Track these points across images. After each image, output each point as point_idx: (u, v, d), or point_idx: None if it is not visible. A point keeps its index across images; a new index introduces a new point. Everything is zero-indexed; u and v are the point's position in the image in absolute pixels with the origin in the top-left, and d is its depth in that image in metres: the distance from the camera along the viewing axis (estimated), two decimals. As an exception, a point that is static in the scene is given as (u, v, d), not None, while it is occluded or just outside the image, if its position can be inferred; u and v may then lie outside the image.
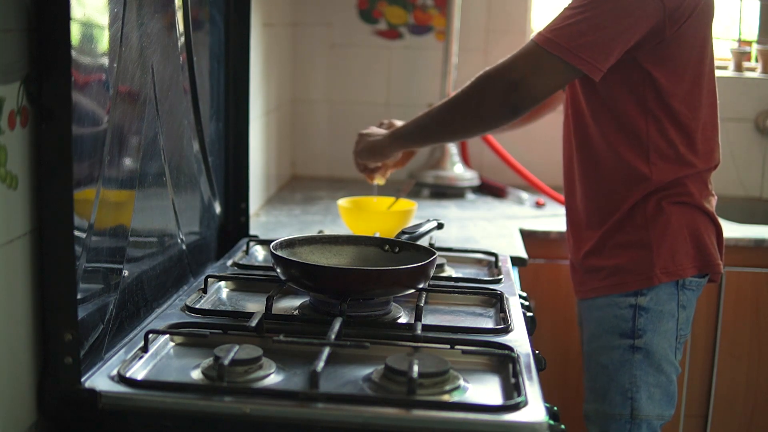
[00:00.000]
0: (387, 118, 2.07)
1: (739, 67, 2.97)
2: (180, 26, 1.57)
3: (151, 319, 1.44)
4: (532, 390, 1.17)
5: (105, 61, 1.23)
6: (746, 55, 2.99)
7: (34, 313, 1.16)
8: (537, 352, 1.36)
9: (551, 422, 1.11)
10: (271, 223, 2.36)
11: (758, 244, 2.38)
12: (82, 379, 1.16)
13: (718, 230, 1.85)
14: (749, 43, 3.05)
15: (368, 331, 1.37)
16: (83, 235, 1.19)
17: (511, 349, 1.30)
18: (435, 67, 2.97)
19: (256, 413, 1.11)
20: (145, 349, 1.27)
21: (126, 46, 1.31)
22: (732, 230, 2.41)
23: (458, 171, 2.86)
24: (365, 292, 1.43)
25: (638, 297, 1.80)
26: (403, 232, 1.67)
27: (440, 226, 1.81)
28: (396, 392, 1.17)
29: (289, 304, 1.54)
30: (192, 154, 1.69)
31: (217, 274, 1.63)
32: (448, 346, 1.30)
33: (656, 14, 1.67)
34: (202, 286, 1.57)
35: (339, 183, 2.98)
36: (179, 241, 1.63)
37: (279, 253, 1.50)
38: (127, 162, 1.35)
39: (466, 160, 2.97)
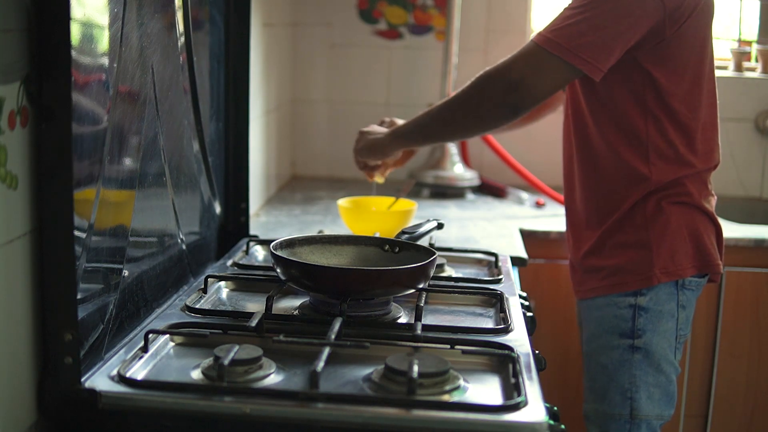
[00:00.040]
0: (387, 117, 2.07)
1: (739, 67, 2.97)
2: (180, 26, 1.57)
3: (151, 319, 1.44)
4: (532, 390, 1.17)
5: (105, 61, 1.23)
6: (746, 55, 2.99)
7: (34, 313, 1.16)
8: (537, 352, 1.36)
9: (551, 422, 1.11)
10: (271, 223, 2.36)
11: (758, 244, 2.38)
12: (82, 379, 1.16)
13: (718, 230, 1.85)
14: (749, 43, 3.05)
15: (368, 331, 1.37)
16: (83, 235, 1.19)
17: (511, 349, 1.30)
18: (435, 67, 2.97)
19: (256, 413, 1.11)
20: (145, 349, 1.27)
21: (126, 46, 1.31)
22: (732, 230, 2.41)
23: (458, 171, 2.86)
24: (365, 292, 1.43)
25: (638, 297, 1.80)
26: (403, 232, 1.67)
27: (440, 226, 1.81)
28: (396, 392, 1.17)
29: (289, 304, 1.54)
30: (192, 154, 1.69)
31: (217, 274, 1.63)
32: (448, 346, 1.30)
33: (656, 14, 1.67)
34: (202, 286, 1.57)
35: (339, 183, 2.98)
36: (179, 241, 1.63)
37: (279, 253, 1.50)
38: (127, 162, 1.35)
39: (466, 160, 2.97)
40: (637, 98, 1.76)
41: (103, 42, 1.23)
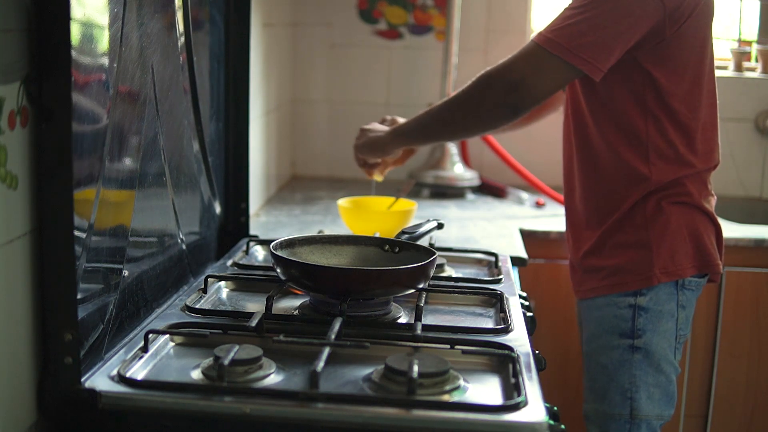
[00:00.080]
0: (389, 116, 2.07)
1: (739, 67, 2.97)
2: (180, 26, 1.57)
3: (151, 319, 1.44)
4: (532, 390, 1.17)
5: (105, 61, 1.23)
6: (746, 55, 2.99)
7: (34, 313, 1.16)
8: (537, 352, 1.36)
9: (551, 422, 1.11)
10: (271, 223, 2.36)
11: (758, 244, 2.38)
12: (82, 379, 1.16)
13: (718, 230, 1.85)
14: (749, 43, 3.05)
15: (368, 331, 1.37)
16: (83, 235, 1.19)
17: (511, 349, 1.30)
18: (435, 67, 2.97)
19: (256, 413, 1.11)
20: (145, 349, 1.27)
21: (126, 46, 1.31)
22: (732, 230, 2.41)
23: (458, 171, 2.86)
24: (365, 292, 1.43)
25: (638, 297, 1.80)
26: (403, 232, 1.67)
27: (440, 226, 1.81)
28: (396, 392, 1.17)
29: (289, 304, 1.54)
30: (192, 154, 1.69)
31: (217, 274, 1.63)
32: (448, 346, 1.30)
33: (656, 14, 1.67)
34: (202, 286, 1.57)
35: (339, 183, 2.98)
36: (179, 241, 1.63)
37: (279, 253, 1.50)
38: (127, 162, 1.35)
39: (466, 160, 2.97)
40: (637, 98, 1.76)
41: (103, 42, 1.23)
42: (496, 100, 1.73)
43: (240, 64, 1.90)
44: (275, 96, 2.69)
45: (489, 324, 1.50)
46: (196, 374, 1.22)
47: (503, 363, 1.28)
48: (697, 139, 1.80)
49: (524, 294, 1.70)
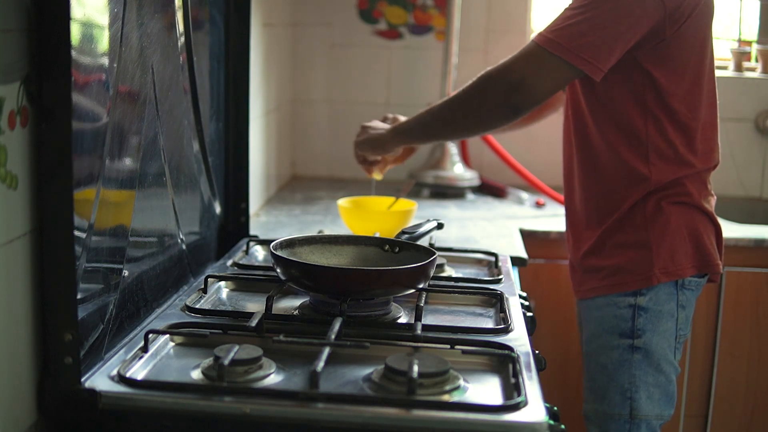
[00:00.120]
0: (390, 114, 2.07)
1: (739, 67, 2.97)
2: (180, 26, 1.57)
3: (151, 319, 1.44)
4: (532, 390, 1.17)
5: (105, 61, 1.23)
6: (746, 55, 2.99)
7: (34, 313, 1.16)
8: (537, 352, 1.36)
9: (551, 422, 1.11)
10: (271, 223, 2.36)
11: (758, 244, 2.38)
12: (82, 379, 1.16)
13: (718, 230, 1.85)
14: (749, 43, 3.05)
15: (368, 331, 1.37)
16: (83, 235, 1.19)
17: (511, 349, 1.30)
18: (435, 67, 2.97)
19: (256, 413, 1.11)
20: (145, 349, 1.27)
21: (126, 46, 1.31)
22: (732, 230, 2.41)
23: (458, 171, 2.86)
24: (365, 292, 1.43)
25: (637, 297, 1.80)
26: (403, 232, 1.67)
27: (440, 226, 1.81)
28: (396, 392, 1.17)
29: (289, 304, 1.54)
30: (192, 154, 1.69)
31: (217, 274, 1.63)
32: (448, 346, 1.30)
33: (656, 14, 1.67)
34: (202, 286, 1.57)
35: (339, 183, 2.98)
36: (179, 241, 1.63)
37: (279, 253, 1.50)
38: (127, 162, 1.35)
39: (466, 160, 2.97)
40: (637, 98, 1.76)
41: (103, 42, 1.23)
42: (496, 100, 1.73)
43: (240, 64, 1.90)
44: (275, 96, 2.69)
45: (489, 324, 1.50)
46: (196, 374, 1.22)
47: (503, 363, 1.28)
48: (697, 139, 1.80)
49: (524, 294, 1.70)
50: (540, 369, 1.31)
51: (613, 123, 1.80)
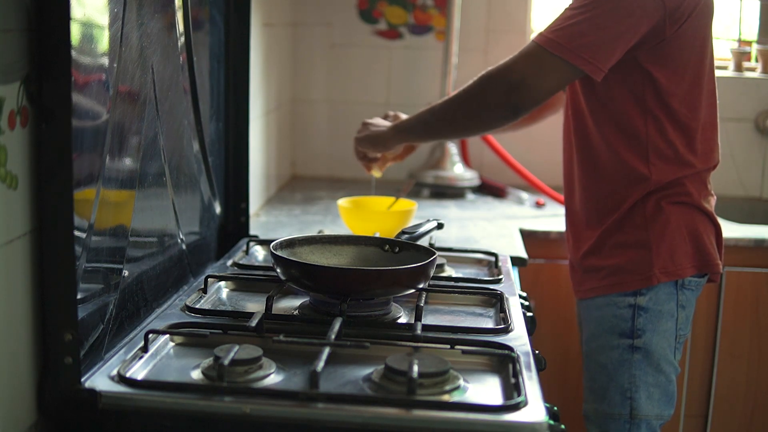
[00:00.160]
0: (391, 111, 2.07)
1: (739, 67, 2.97)
2: (180, 26, 1.57)
3: (151, 319, 1.44)
4: (532, 390, 1.17)
5: (105, 61, 1.23)
6: (746, 55, 2.99)
7: (34, 313, 1.16)
8: (537, 352, 1.36)
9: (551, 422, 1.11)
10: (271, 223, 2.36)
11: (758, 244, 2.38)
12: (82, 379, 1.16)
13: (717, 230, 1.85)
14: (749, 43, 3.05)
15: (368, 331, 1.37)
16: (83, 235, 1.19)
17: (511, 349, 1.30)
18: (435, 67, 2.97)
19: (256, 413, 1.11)
20: (145, 349, 1.27)
21: (126, 46, 1.31)
22: (732, 230, 2.41)
23: (458, 171, 2.86)
24: (365, 292, 1.43)
25: (637, 297, 1.80)
26: (403, 232, 1.67)
27: (440, 226, 1.81)
28: (396, 392, 1.17)
29: (289, 304, 1.54)
30: (192, 154, 1.69)
31: (217, 274, 1.63)
32: (448, 346, 1.30)
33: (657, 14, 1.67)
34: (202, 286, 1.57)
35: (339, 183, 2.98)
36: (179, 241, 1.63)
37: (279, 253, 1.50)
38: (127, 162, 1.35)
39: (466, 160, 2.97)
40: (637, 98, 1.76)
41: (103, 42, 1.23)
42: (497, 100, 1.73)
43: (240, 64, 1.90)
44: (275, 96, 2.70)
45: (489, 324, 1.50)
46: (196, 374, 1.22)
47: (503, 363, 1.28)
48: (697, 139, 1.80)
49: (524, 294, 1.70)
50: (540, 369, 1.31)
51: (613, 123, 1.80)
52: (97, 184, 1.23)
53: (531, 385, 1.19)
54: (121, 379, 1.17)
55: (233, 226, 1.96)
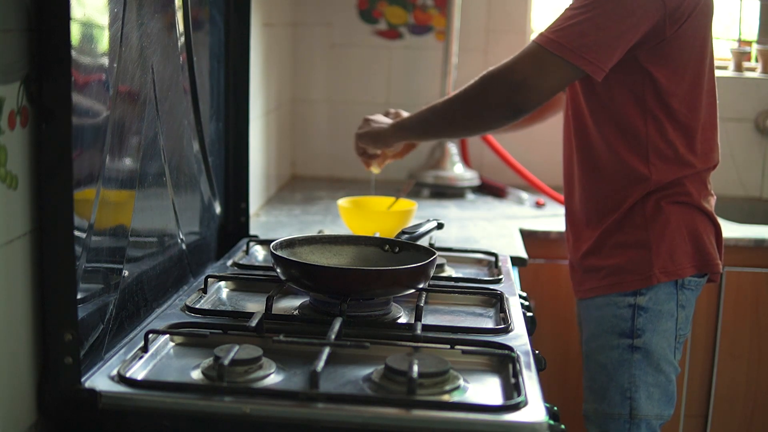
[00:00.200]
0: (393, 109, 2.07)
1: (739, 67, 2.97)
2: (180, 26, 1.57)
3: (151, 319, 1.44)
4: (532, 390, 1.17)
5: (105, 61, 1.23)
6: (746, 55, 2.99)
7: (34, 313, 1.16)
8: (537, 352, 1.36)
9: (551, 422, 1.11)
10: (271, 223, 2.36)
11: (758, 244, 2.38)
12: (82, 379, 1.16)
13: (717, 230, 1.85)
14: (749, 43, 3.05)
15: (368, 331, 1.37)
16: (83, 235, 1.19)
17: (511, 349, 1.30)
18: (435, 67, 2.97)
19: (256, 413, 1.11)
20: (145, 349, 1.27)
21: (126, 46, 1.31)
22: (732, 230, 2.41)
23: (458, 171, 2.86)
24: (365, 292, 1.43)
25: (637, 297, 1.80)
26: (403, 232, 1.67)
27: (440, 226, 1.81)
28: (396, 392, 1.17)
29: (289, 304, 1.54)
30: (192, 154, 1.69)
31: (217, 274, 1.63)
32: (448, 346, 1.30)
33: (657, 14, 1.67)
34: (202, 286, 1.57)
35: (339, 183, 2.98)
36: (179, 241, 1.63)
37: (279, 253, 1.50)
38: (127, 162, 1.35)
39: (466, 160, 2.97)
40: (637, 98, 1.76)
41: (103, 42, 1.23)
42: (498, 101, 1.73)
43: (240, 64, 1.90)
44: (275, 96, 2.70)
45: (489, 324, 1.50)
46: (196, 374, 1.22)
47: (503, 363, 1.28)
48: (697, 139, 1.80)
49: (524, 294, 1.70)
50: (540, 369, 1.31)
51: (613, 123, 1.80)
52: (97, 184, 1.23)
53: (531, 385, 1.19)
54: (121, 379, 1.17)
55: (233, 226, 1.96)
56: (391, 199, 2.16)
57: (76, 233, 1.14)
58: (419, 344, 1.30)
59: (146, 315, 1.45)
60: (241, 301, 1.58)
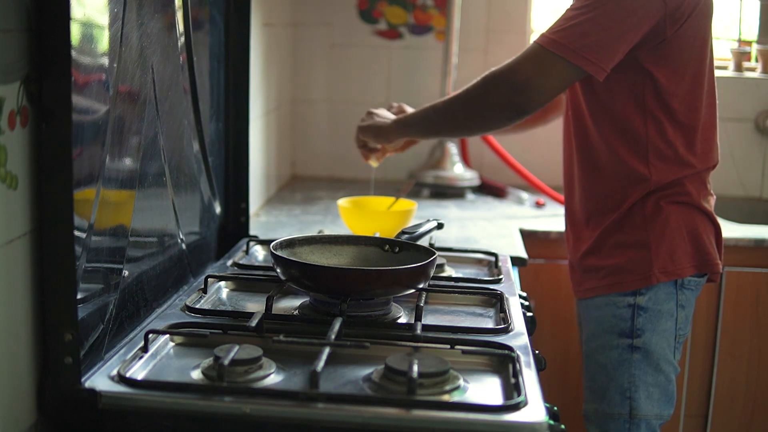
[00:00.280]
0: (396, 103, 2.06)
1: (739, 67, 2.97)
2: (180, 26, 1.57)
3: (151, 319, 1.44)
4: (532, 390, 1.17)
5: (105, 61, 1.23)
6: (746, 55, 2.99)
7: (34, 313, 1.16)
8: (537, 352, 1.36)
9: (551, 422, 1.11)
10: (271, 223, 2.36)
11: (758, 244, 2.38)
12: (82, 379, 1.16)
13: (717, 230, 1.85)
14: (749, 43, 3.05)
15: (368, 331, 1.37)
16: (83, 235, 1.19)
17: (511, 349, 1.30)
18: (435, 67, 2.97)
19: (256, 413, 1.11)
20: (145, 349, 1.27)
21: (126, 46, 1.31)
22: (732, 230, 2.41)
23: (458, 171, 2.86)
24: (365, 292, 1.43)
25: (637, 296, 1.80)
26: (403, 232, 1.67)
27: (440, 226, 1.81)
28: (396, 392, 1.17)
29: (289, 304, 1.54)
30: (192, 154, 1.69)
31: (217, 274, 1.63)
32: (448, 346, 1.30)
33: (658, 13, 1.67)
34: (202, 286, 1.57)
35: (339, 183, 2.98)
36: (179, 241, 1.63)
37: (279, 253, 1.50)
38: (127, 162, 1.35)
39: (466, 160, 2.97)
40: (637, 98, 1.76)
41: (103, 42, 1.23)
42: (500, 101, 1.73)
43: (240, 64, 1.90)
44: (275, 96, 2.70)
45: (489, 324, 1.50)
46: (196, 374, 1.22)
47: (503, 363, 1.28)
48: (697, 139, 1.80)
49: (524, 294, 1.70)
50: (540, 369, 1.31)
51: (613, 123, 1.80)
52: (97, 184, 1.23)
53: (531, 385, 1.19)
54: (121, 379, 1.17)
55: (233, 226, 1.96)
56: (391, 199, 2.16)
57: (76, 233, 1.14)
58: (419, 344, 1.30)
59: (146, 315, 1.45)
60: (241, 301, 1.58)
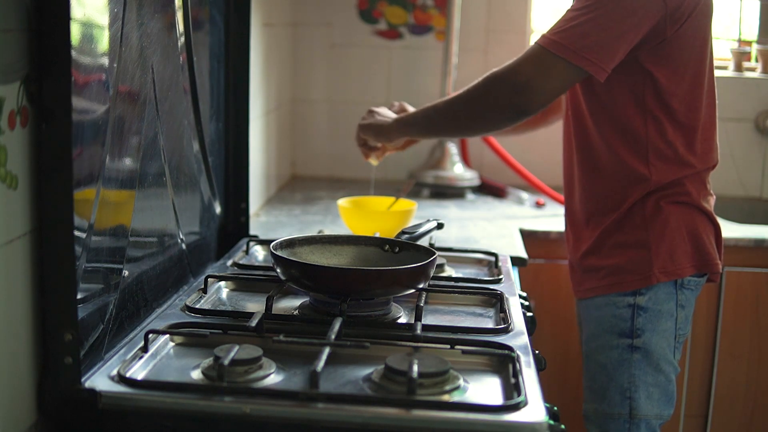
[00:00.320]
0: (397, 102, 2.06)
1: (739, 67, 2.97)
2: (180, 26, 1.57)
3: (151, 319, 1.44)
4: (532, 390, 1.17)
5: (105, 61, 1.23)
6: (746, 55, 2.99)
7: (34, 313, 1.16)
8: (537, 352, 1.36)
9: (551, 422, 1.11)
10: (271, 223, 2.36)
11: (758, 244, 2.38)
12: (82, 379, 1.16)
13: (717, 230, 1.85)
14: (749, 43, 3.05)
15: (368, 331, 1.37)
16: (83, 235, 1.19)
17: (511, 349, 1.30)
18: (435, 67, 2.97)
19: (256, 413, 1.11)
20: (145, 349, 1.27)
21: (126, 46, 1.31)
22: (732, 230, 2.41)
23: (458, 171, 2.86)
24: (365, 292, 1.43)
25: (637, 296, 1.80)
26: (403, 232, 1.67)
27: (440, 226, 1.81)
28: (396, 392, 1.17)
29: (289, 304, 1.54)
30: (192, 154, 1.69)
31: (217, 274, 1.63)
32: (448, 346, 1.30)
33: (658, 13, 1.67)
34: (202, 286, 1.57)
35: (339, 183, 2.98)
36: (179, 241, 1.63)
37: (279, 253, 1.50)
38: (127, 162, 1.35)
39: (466, 160, 2.97)
40: (637, 98, 1.76)
41: (103, 42, 1.23)
42: (502, 102, 1.73)
43: (240, 64, 1.90)
44: (275, 96, 2.70)
45: (489, 324, 1.50)
46: (196, 374, 1.22)
47: (503, 363, 1.28)
48: (697, 140, 1.80)
49: (524, 294, 1.70)
50: (540, 369, 1.31)
51: (612, 123, 1.80)
52: (97, 184, 1.23)
53: (531, 385, 1.19)
54: (121, 379, 1.17)
55: (233, 226, 1.96)
56: (391, 199, 2.16)
57: (76, 233, 1.14)
58: (419, 344, 1.30)
59: (146, 315, 1.45)
60: (241, 301, 1.58)
